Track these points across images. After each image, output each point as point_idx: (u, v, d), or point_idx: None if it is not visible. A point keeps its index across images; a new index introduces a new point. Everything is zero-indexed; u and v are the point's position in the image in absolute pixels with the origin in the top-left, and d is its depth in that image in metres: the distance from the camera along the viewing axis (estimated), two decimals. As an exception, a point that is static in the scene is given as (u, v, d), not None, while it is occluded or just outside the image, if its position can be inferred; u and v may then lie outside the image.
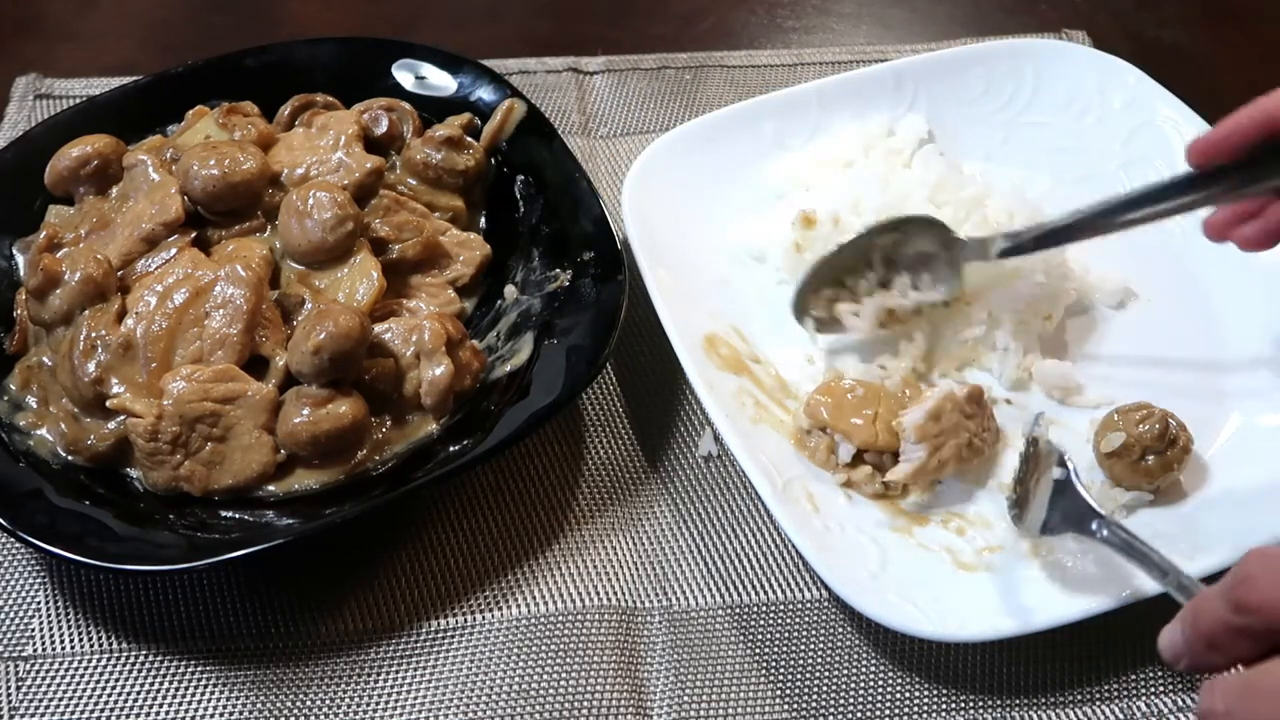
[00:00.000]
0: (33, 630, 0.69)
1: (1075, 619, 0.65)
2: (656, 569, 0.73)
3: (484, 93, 0.91)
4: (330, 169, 0.81)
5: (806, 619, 0.71)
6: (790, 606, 0.71)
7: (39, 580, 0.71)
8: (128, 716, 0.66)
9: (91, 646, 0.68)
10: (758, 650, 0.69)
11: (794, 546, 0.72)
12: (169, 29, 1.12)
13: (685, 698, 0.67)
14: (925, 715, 0.67)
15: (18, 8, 1.14)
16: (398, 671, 0.68)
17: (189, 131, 0.85)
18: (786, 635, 0.70)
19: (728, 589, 0.72)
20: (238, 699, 0.66)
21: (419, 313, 0.78)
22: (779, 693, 0.68)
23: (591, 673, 0.68)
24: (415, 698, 0.67)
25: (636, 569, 0.73)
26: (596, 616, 0.70)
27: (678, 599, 0.72)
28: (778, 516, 0.68)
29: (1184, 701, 0.67)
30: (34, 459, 0.71)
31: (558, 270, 0.81)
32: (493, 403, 0.74)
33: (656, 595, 0.72)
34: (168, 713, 0.66)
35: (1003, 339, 0.81)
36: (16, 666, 0.68)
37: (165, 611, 0.70)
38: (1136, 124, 0.92)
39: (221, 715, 0.66)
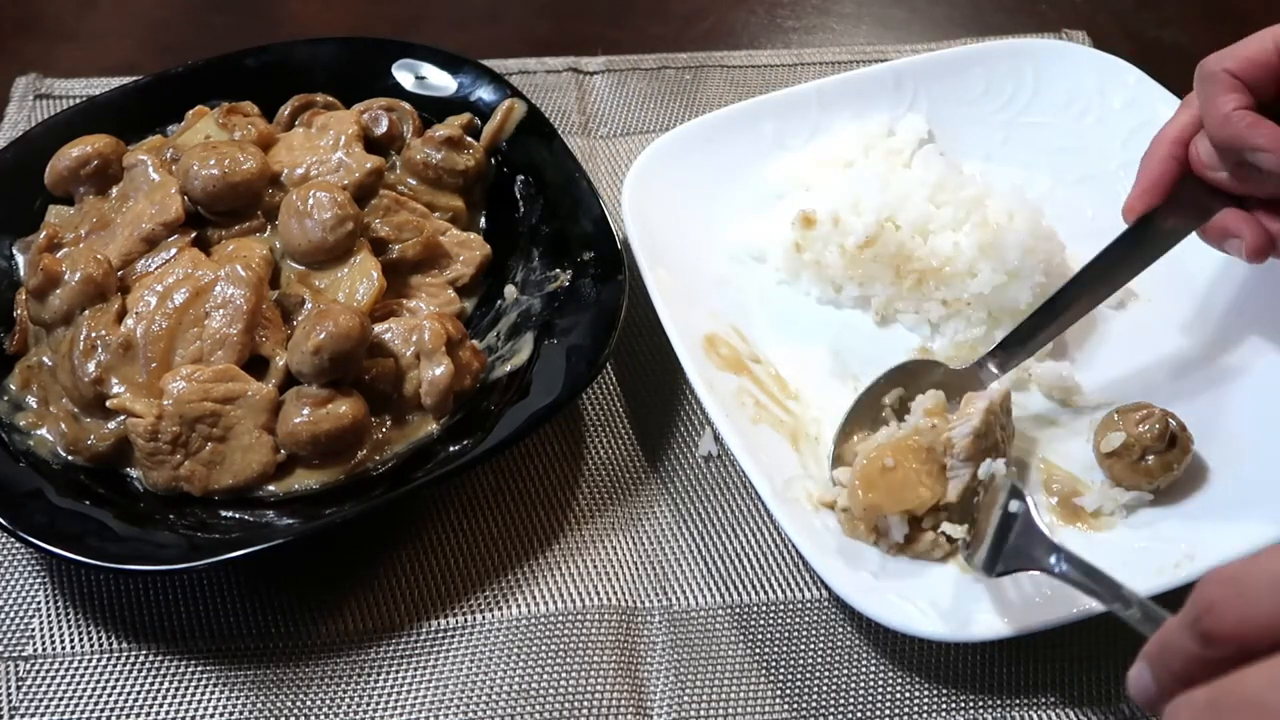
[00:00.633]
0: (33, 630, 0.69)
1: (1075, 619, 0.65)
2: (656, 569, 0.73)
3: (484, 93, 0.91)
4: (330, 169, 0.81)
5: (806, 619, 0.71)
6: (790, 606, 0.71)
7: (39, 580, 0.71)
8: (128, 716, 0.66)
9: (91, 646, 0.68)
10: (758, 650, 0.69)
11: (794, 546, 0.72)
12: (169, 29, 1.12)
13: (685, 698, 0.67)
14: (925, 715, 0.67)
15: (18, 8, 1.14)
16: (398, 671, 0.68)
17: (189, 131, 0.85)
18: (786, 635, 0.70)
19: (728, 589, 0.72)
20: (238, 699, 0.66)
21: (419, 313, 0.78)
22: (779, 693, 0.68)
23: (591, 673, 0.68)
24: (415, 698, 0.67)
25: (636, 569, 0.73)
26: (596, 616, 0.70)
27: (678, 599, 0.72)
28: (778, 516, 0.68)
29: (1184, 701, 0.67)
30: (34, 459, 0.71)
31: (558, 270, 0.81)
32: (493, 403, 0.74)
33: (656, 595, 0.72)
34: (168, 713, 0.66)
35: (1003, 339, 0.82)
36: (16, 666, 0.68)
37: (165, 611, 0.70)
38: (1136, 124, 0.92)
39: (221, 715, 0.66)
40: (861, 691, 0.68)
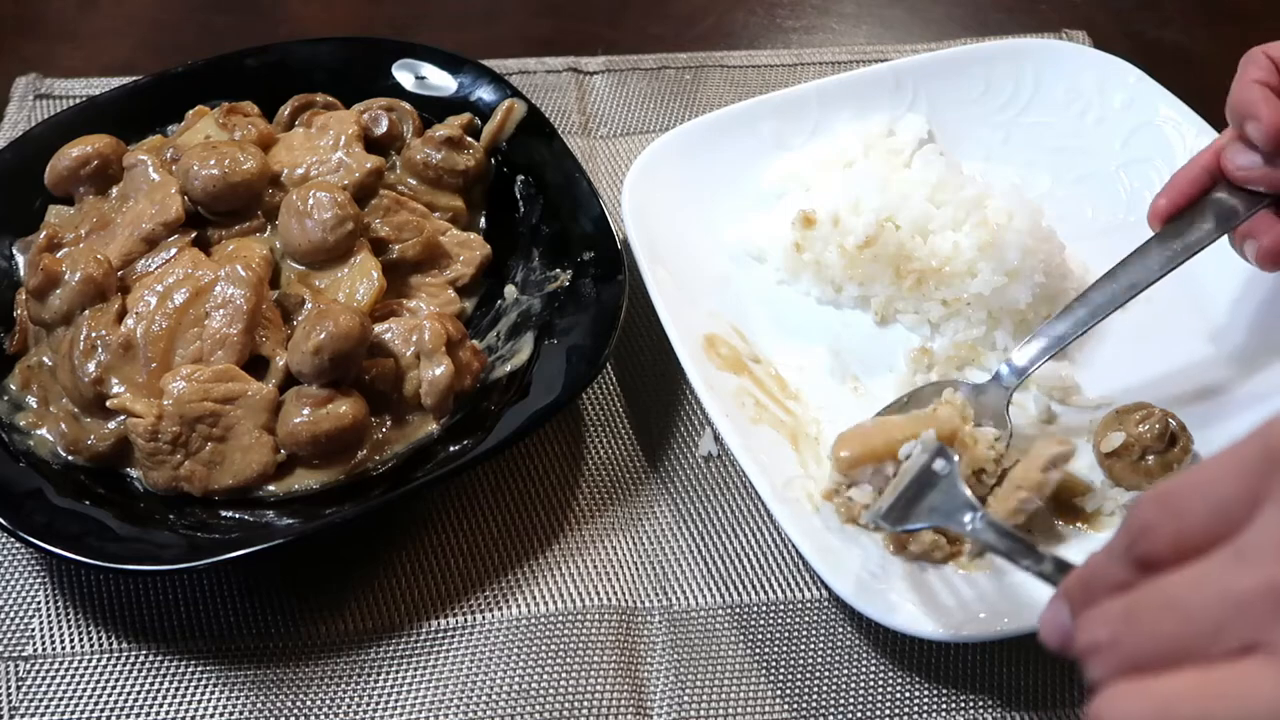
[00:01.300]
0: (33, 630, 0.69)
1: (1075, 619, 0.65)
2: (656, 569, 0.73)
3: (484, 93, 0.91)
4: (330, 169, 0.81)
5: (806, 619, 0.71)
6: (790, 606, 0.71)
7: (39, 580, 0.71)
8: (128, 716, 0.66)
9: (91, 646, 0.68)
10: (758, 650, 0.69)
11: (794, 546, 0.72)
12: (169, 29, 1.12)
13: (685, 698, 0.67)
14: (925, 715, 0.67)
15: (18, 8, 1.14)
16: (398, 671, 0.68)
17: (189, 131, 0.85)
18: (786, 635, 0.70)
19: (728, 589, 0.72)
20: (238, 699, 0.66)
21: (419, 313, 0.78)
22: (779, 693, 0.68)
23: (591, 673, 0.68)
24: (415, 698, 0.67)
25: (636, 569, 0.73)
26: (596, 616, 0.70)
27: (678, 599, 0.72)
28: (778, 516, 0.68)
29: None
30: (34, 459, 0.71)
31: (558, 270, 0.81)
32: (493, 403, 0.74)
33: (656, 595, 0.72)
34: (168, 713, 0.66)
35: (1003, 339, 0.82)
36: (16, 666, 0.68)
37: (165, 611, 0.70)
38: (1136, 124, 0.92)
39: (221, 715, 0.66)
40: (861, 691, 0.68)
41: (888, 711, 0.67)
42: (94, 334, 0.71)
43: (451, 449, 0.72)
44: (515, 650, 0.68)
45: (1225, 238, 0.74)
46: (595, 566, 0.73)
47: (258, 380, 0.72)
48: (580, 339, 0.75)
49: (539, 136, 0.88)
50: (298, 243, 0.76)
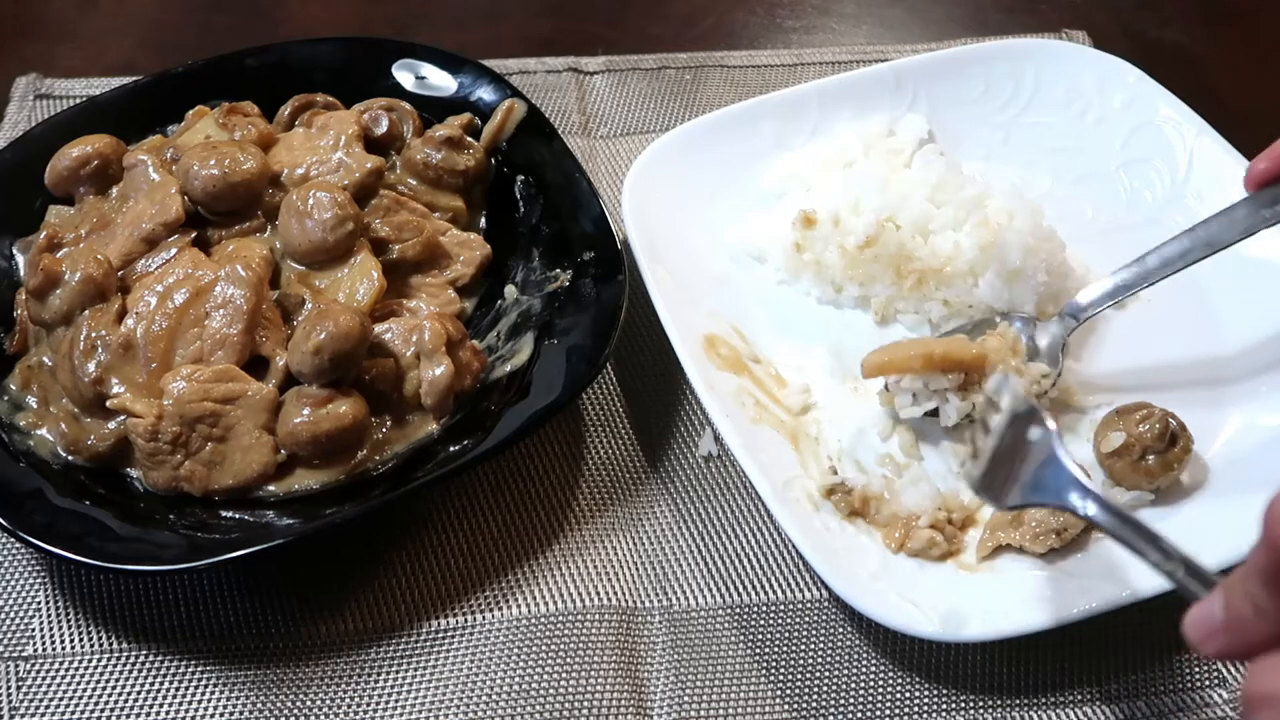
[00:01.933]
0: (33, 630, 0.69)
1: (1075, 619, 0.65)
2: (656, 569, 0.73)
3: (484, 93, 0.91)
4: (330, 169, 0.81)
5: (806, 619, 0.71)
6: (790, 606, 0.71)
7: (39, 580, 0.71)
8: (128, 716, 0.66)
9: (91, 646, 0.68)
10: (758, 650, 0.69)
11: (794, 546, 0.72)
12: (169, 29, 1.12)
13: (685, 698, 0.67)
14: (925, 715, 0.67)
15: (18, 8, 1.14)
16: (398, 671, 0.68)
17: (189, 131, 0.85)
18: (786, 635, 0.70)
19: (728, 589, 0.72)
20: (238, 699, 0.66)
21: (419, 313, 0.78)
22: (779, 693, 0.68)
23: (591, 673, 0.68)
24: (415, 698, 0.67)
25: (636, 569, 0.73)
26: (596, 616, 0.70)
27: (678, 599, 0.72)
28: (778, 516, 0.68)
29: (1185, 701, 0.67)
30: (34, 459, 0.71)
31: (558, 270, 0.81)
32: (493, 403, 0.74)
33: (656, 595, 0.72)
34: (168, 713, 0.66)
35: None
36: (16, 666, 0.68)
37: (165, 611, 0.70)
38: (1136, 124, 0.92)
39: (221, 715, 0.66)
40: (861, 691, 0.68)
41: (888, 711, 0.67)
42: (94, 334, 0.71)
43: (451, 449, 0.72)
44: (515, 650, 0.68)
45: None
46: (595, 566, 0.73)
47: (258, 380, 0.72)
48: (580, 339, 0.75)
49: (539, 136, 0.88)
50: (298, 243, 0.76)
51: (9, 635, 0.69)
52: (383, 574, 0.72)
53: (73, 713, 0.66)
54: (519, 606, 0.71)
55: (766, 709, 0.67)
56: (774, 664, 0.69)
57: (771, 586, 0.72)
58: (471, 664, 0.68)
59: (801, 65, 1.07)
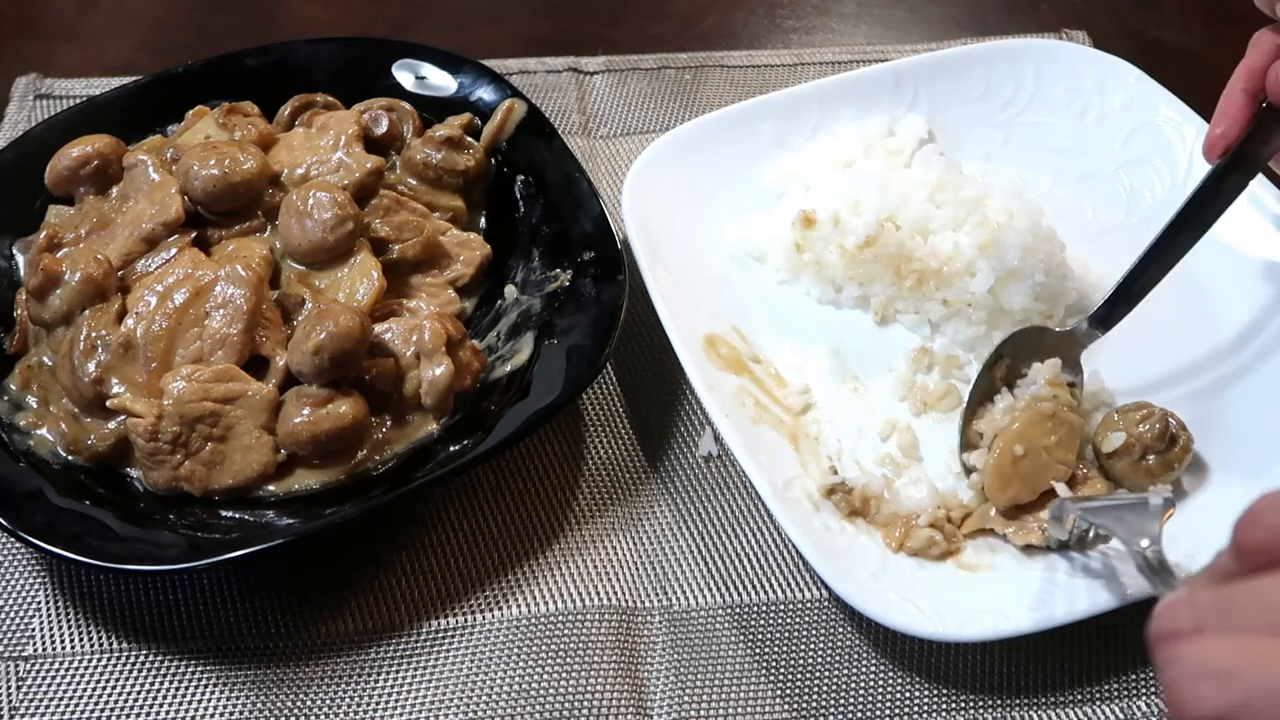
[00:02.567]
0: (33, 630, 0.69)
1: (1075, 619, 0.65)
2: (656, 569, 0.73)
3: (484, 93, 0.91)
4: (330, 169, 0.81)
5: (806, 619, 0.71)
6: (790, 606, 0.71)
7: (39, 580, 0.71)
8: (128, 716, 0.66)
9: (91, 646, 0.68)
10: (758, 650, 0.69)
11: (794, 546, 0.72)
12: (169, 29, 1.12)
13: (685, 698, 0.67)
14: (925, 715, 0.67)
15: (18, 7, 1.14)
16: (398, 671, 0.68)
17: (189, 131, 0.85)
18: (786, 635, 0.70)
19: (728, 589, 0.72)
20: (238, 699, 0.66)
21: (419, 313, 0.78)
22: (779, 693, 0.68)
23: (591, 673, 0.68)
24: (415, 698, 0.67)
25: (636, 569, 0.73)
26: (596, 616, 0.70)
27: (678, 599, 0.72)
28: (778, 516, 0.68)
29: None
30: (34, 459, 0.71)
31: (558, 270, 0.81)
32: (493, 403, 0.74)
33: (656, 595, 0.72)
34: (168, 713, 0.66)
35: (1002, 339, 0.82)
36: (16, 666, 0.68)
37: (165, 611, 0.70)
38: (1136, 124, 0.92)
39: (221, 715, 0.66)
40: (861, 691, 0.68)
41: (888, 711, 0.67)
42: (94, 334, 0.71)
43: (451, 449, 0.72)
44: (515, 650, 0.68)
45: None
46: (595, 566, 0.73)
47: (258, 380, 0.72)
48: (580, 339, 0.75)
49: (539, 136, 0.88)
50: (298, 243, 0.76)
51: (9, 635, 0.69)
52: (383, 574, 0.72)
53: (73, 713, 0.66)
54: (519, 606, 0.71)
55: (766, 709, 0.67)
56: (774, 664, 0.69)
57: (771, 586, 0.72)
58: (471, 664, 0.68)
59: (801, 65, 1.07)
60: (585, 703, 0.66)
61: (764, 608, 0.71)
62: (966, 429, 0.75)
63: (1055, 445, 0.71)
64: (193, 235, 0.77)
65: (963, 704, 0.67)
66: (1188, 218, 0.74)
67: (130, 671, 0.67)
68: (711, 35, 1.13)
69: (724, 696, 0.67)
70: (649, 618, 0.71)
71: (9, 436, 0.72)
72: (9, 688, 0.67)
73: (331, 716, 0.66)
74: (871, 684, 0.68)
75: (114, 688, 0.67)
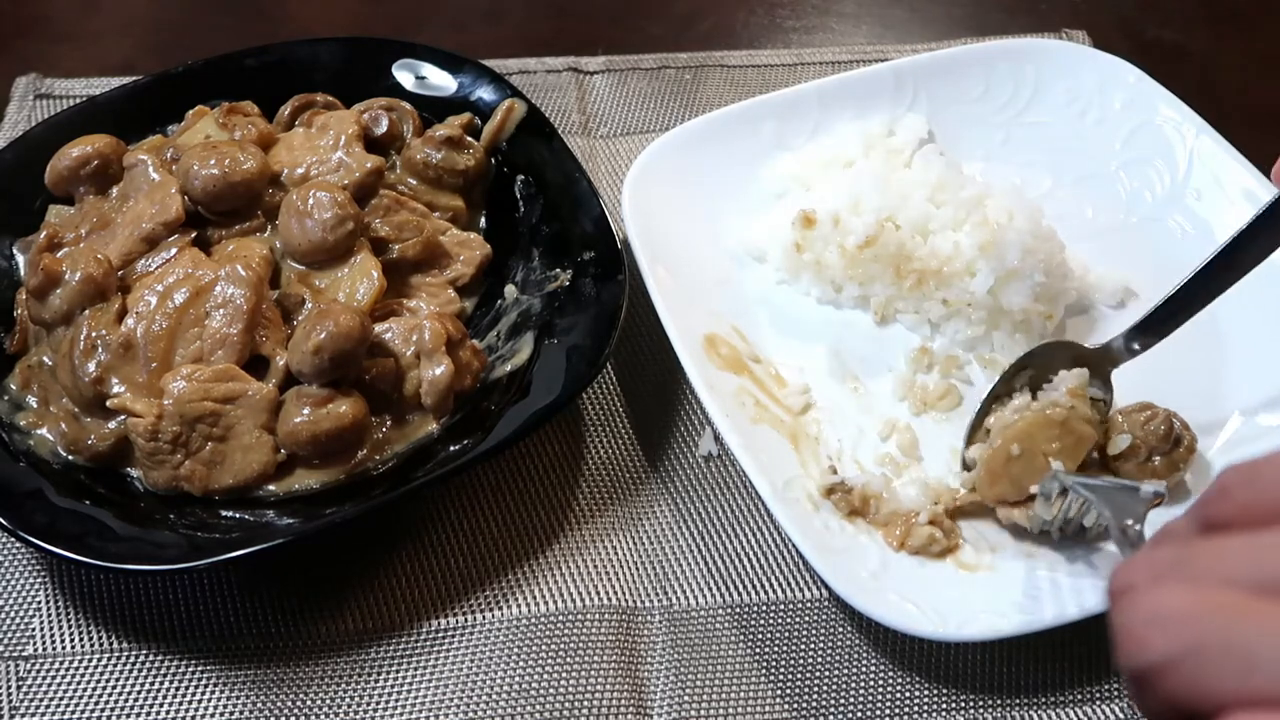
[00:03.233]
0: (33, 630, 0.69)
1: (1075, 619, 0.65)
2: (656, 569, 0.73)
3: (484, 92, 0.91)
4: (330, 169, 0.81)
5: (806, 619, 0.71)
6: (790, 606, 0.71)
7: (39, 580, 0.71)
8: (128, 716, 0.66)
9: (91, 646, 0.68)
10: (758, 650, 0.69)
11: (794, 546, 0.72)
12: (169, 29, 1.12)
13: (685, 698, 0.67)
14: (925, 715, 0.67)
15: (18, 8, 1.14)
16: (398, 671, 0.68)
17: (189, 131, 0.85)
18: (786, 635, 0.70)
19: (728, 589, 0.72)
20: (238, 699, 0.66)
21: (419, 312, 0.78)
22: (779, 693, 0.68)
23: (591, 673, 0.68)
24: (415, 698, 0.67)
25: (636, 569, 0.73)
26: (596, 616, 0.70)
27: (678, 599, 0.72)
28: (778, 516, 0.68)
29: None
30: (34, 459, 0.71)
31: (558, 270, 0.81)
32: (493, 403, 0.74)
33: (656, 595, 0.72)
34: (168, 713, 0.66)
35: (1001, 339, 0.82)
36: (16, 666, 0.68)
37: (165, 611, 0.70)
38: (1136, 124, 0.92)
39: (221, 715, 0.66)
40: (861, 691, 0.68)
41: (888, 711, 0.67)
42: (94, 334, 0.71)
43: (451, 449, 0.72)
44: (515, 650, 0.68)
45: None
46: (595, 566, 0.73)
47: (258, 380, 0.72)
48: (580, 339, 0.75)
49: (539, 136, 0.88)
50: (298, 242, 0.76)
51: (9, 635, 0.69)
52: (383, 574, 0.72)
53: (73, 713, 0.66)
54: (519, 606, 0.71)
55: (766, 709, 0.67)
56: (774, 664, 0.69)
57: (771, 586, 0.72)
58: (471, 664, 0.68)
59: (801, 65, 1.07)
60: (585, 703, 0.66)
61: (764, 608, 0.71)
62: (976, 426, 0.75)
63: (1057, 452, 0.70)
64: (193, 235, 0.77)
65: (963, 704, 0.67)
66: (1244, 244, 0.70)
67: (130, 671, 0.67)
68: (711, 35, 1.13)
69: (724, 696, 0.67)
70: (649, 618, 0.71)
71: (9, 436, 0.72)
72: (9, 688, 0.67)
73: (331, 716, 0.66)
74: (871, 684, 0.68)
75: (114, 688, 0.67)
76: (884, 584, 0.67)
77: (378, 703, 0.67)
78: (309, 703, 0.67)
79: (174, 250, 0.76)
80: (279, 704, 0.66)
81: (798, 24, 1.15)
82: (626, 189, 0.84)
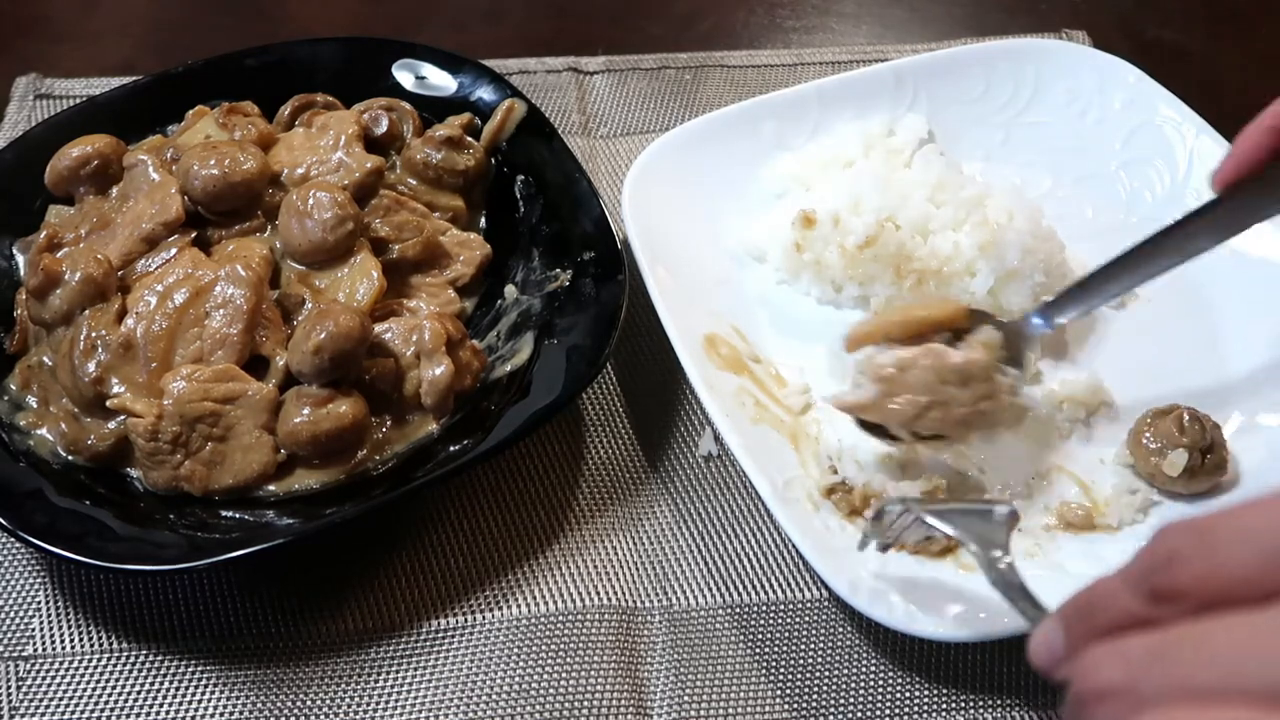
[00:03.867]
0: (33, 630, 0.69)
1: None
2: (656, 569, 0.73)
3: (484, 93, 0.91)
4: (330, 169, 0.81)
5: (806, 619, 0.71)
6: (790, 606, 0.71)
7: (39, 580, 0.71)
8: (128, 716, 0.66)
9: (91, 646, 0.68)
10: (758, 650, 0.69)
11: (794, 546, 0.72)
12: (169, 29, 1.12)
13: (685, 698, 0.67)
14: (925, 715, 0.67)
15: (18, 8, 1.14)
16: (398, 671, 0.68)
17: (189, 131, 0.85)
18: (786, 635, 0.70)
19: (728, 589, 0.72)
20: (238, 699, 0.66)
21: (419, 313, 0.78)
22: (779, 693, 0.68)
23: (591, 673, 0.68)
24: (415, 698, 0.67)
25: (636, 569, 0.73)
26: (596, 616, 0.70)
27: (678, 599, 0.72)
28: (778, 516, 0.68)
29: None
30: (34, 459, 0.71)
31: (558, 270, 0.81)
32: (493, 403, 0.74)
33: (656, 595, 0.72)
34: (168, 713, 0.66)
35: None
36: (16, 666, 0.68)
37: (165, 611, 0.70)
38: (1136, 124, 0.92)
39: (221, 715, 0.66)
40: (861, 691, 0.68)
41: (888, 711, 0.67)
42: (94, 334, 0.71)
43: (451, 449, 0.72)
44: (515, 650, 0.68)
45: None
46: (595, 566, 0.73)
47: (258, 380, 0.72)
48: (580, 339, 0.75)
49: (539, 136, 0.88)
50: (298, 243, 0.76)
51: (9, 635, 0.69)
52: (383, 574, 0.72)
53: (73, 713, 0.66)
54: (519, 606, 0.71)
55: (766, 709, 0.67)
56: (774, 664, 0.69)
57: (771, 586, 0.72)
58: (471, 664, 0.68)
59: (801, 65, 1.07)
60: (585, 703, 0.66)
61: (764, 608, 0.71)
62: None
63: (917, 308, 0.70)
64: (193, 235, 0.77)
65: (963, 704, 0.67)
66: (1166, 239, 0.70)
67: (130, 671, 0.67)
68: (711, 35, 1.13)
69: (724, 696, 0.67)
70: (649, 618, 0.71)
71: (9, 436, 0.72)
72: (9, 688, 0.67)
73: (331, 716, 0.66)
74: (871, 684, 0.68)
75: (114, 688, 0.67)
76: (884, 584, 0.67)
77: (378, 703, 0.67)
78: (309, 703, 0.67)
79: (174, 250, 0.76)
80: (279, 704, 0.66)
81: (798, 24, 1.15)
82: (626, 189, 0.84)
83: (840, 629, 0.70)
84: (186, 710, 0.66)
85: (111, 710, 0.66)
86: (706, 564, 0.73)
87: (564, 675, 0.67)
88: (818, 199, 0.85)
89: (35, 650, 0.68)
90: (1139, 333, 0.83)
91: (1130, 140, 0.92)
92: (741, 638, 0.70)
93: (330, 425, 0.70)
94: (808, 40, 1.13)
